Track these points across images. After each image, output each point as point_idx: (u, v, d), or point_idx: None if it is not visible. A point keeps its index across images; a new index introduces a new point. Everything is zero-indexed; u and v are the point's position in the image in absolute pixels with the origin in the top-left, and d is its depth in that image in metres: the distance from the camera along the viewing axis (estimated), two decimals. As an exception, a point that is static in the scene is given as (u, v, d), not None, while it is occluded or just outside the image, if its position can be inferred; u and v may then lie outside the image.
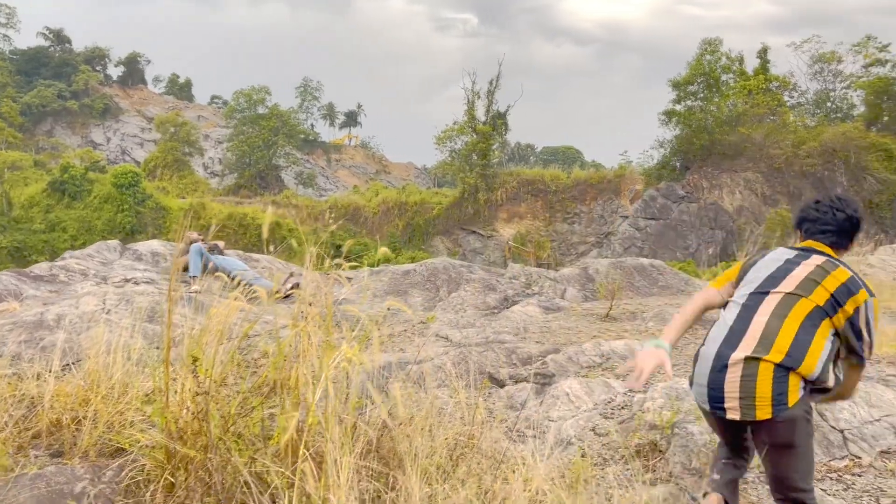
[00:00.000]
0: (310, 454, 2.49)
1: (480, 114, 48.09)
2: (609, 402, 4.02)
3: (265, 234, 3.38)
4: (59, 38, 78.30)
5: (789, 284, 2.63)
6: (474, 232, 46.72)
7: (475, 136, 46.51)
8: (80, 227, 46.23)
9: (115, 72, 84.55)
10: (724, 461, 2.80)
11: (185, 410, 2.87)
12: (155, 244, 8.05)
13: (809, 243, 2.80)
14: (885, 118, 34.29)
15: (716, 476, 2.76)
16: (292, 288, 7.25)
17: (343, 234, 46.85)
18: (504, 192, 46.58)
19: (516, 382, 4.51)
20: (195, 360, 2.78)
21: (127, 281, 6.31)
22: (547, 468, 2.91)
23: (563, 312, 6.32)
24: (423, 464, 2.88)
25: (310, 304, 3.35)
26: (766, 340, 2.50)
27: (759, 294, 2.66)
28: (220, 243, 7.99)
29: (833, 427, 3.59)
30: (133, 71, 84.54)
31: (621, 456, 3.33)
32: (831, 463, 3.38)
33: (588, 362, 4.68)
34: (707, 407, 2.62)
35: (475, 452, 3.10)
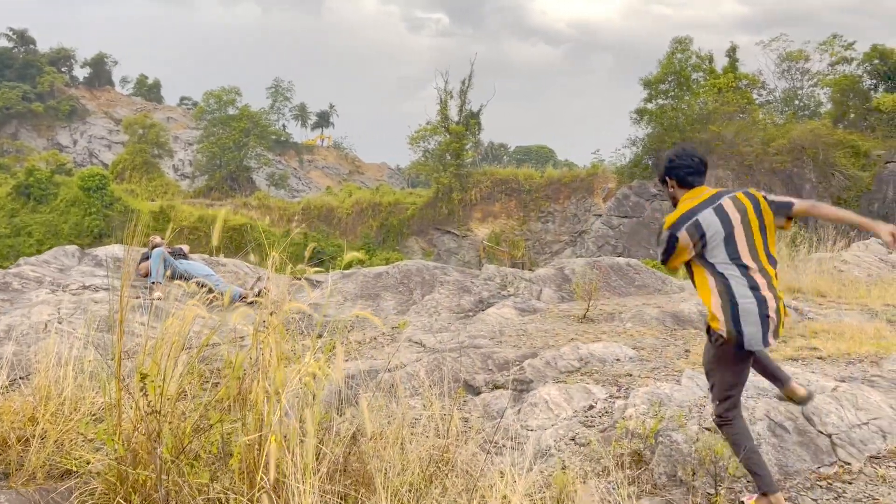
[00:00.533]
0: (269, 480, 2.29)
1: (454, 113, 47.98)
2: (589, 409, 3.86)
3: (215, 240, 3.17)
4: (22, 38, 76.64)
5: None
6: (449, 232, 46.57)
7: (448, 136, 46.36)
8: (46, 231, 45.23)
9: (81, 73, 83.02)
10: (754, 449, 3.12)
11: (135, 431, 2.65)
12: (116, 249, 7.73)
13: (703, 189, 3.33)
14: (852, 115, 34.78)
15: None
16: (258, 294, 7.01)
17: (316, 236, 46.39)
18: (478, 192, 46.51)
19: (493, 389, 4.33)
20: (143, 377, 2.55)
21: (85, 288, 6.02)
22: (526, 484, 2.73)
23: (539, 314, 6.16)
24: (393, 483, 2.68)
25: (271, 313, 3.14)
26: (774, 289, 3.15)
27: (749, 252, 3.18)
28: (185, 247, 7.71)
29: (820, 432, 3.47)
30: (100, 72, 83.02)
31: (603, 468, 3.17)
32: (820, 470, 3.26)
33: (567, 367, 4.52)
34: (761, 345, 3.11)
35: (450, 468, 2.91)
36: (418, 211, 47.17)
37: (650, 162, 38.35)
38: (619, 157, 42.45)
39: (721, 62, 39.64)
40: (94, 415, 3.53)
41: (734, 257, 3.13)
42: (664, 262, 3.30)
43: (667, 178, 3.46)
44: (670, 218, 3.28)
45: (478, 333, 5.39)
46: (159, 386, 2.71)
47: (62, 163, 53.70)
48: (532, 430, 3.67)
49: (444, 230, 46.55)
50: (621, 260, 8.15)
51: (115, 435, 2.86)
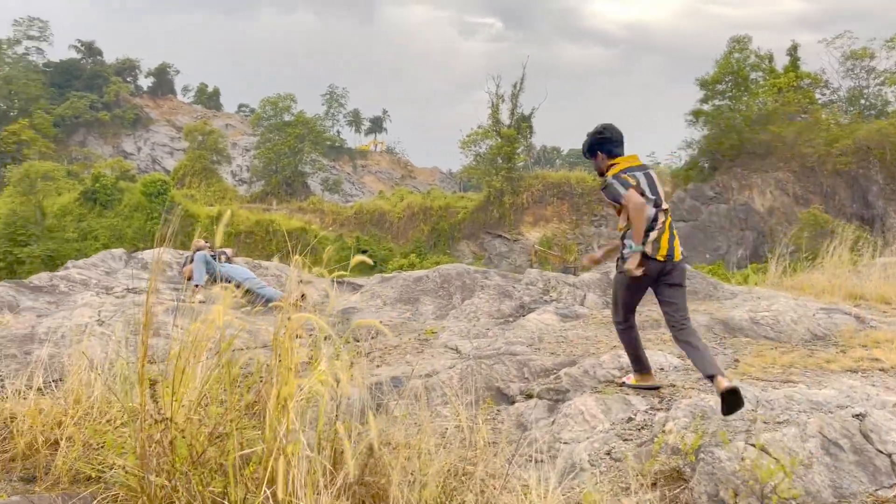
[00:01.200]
0: (276, 494, 2.19)
1: (505, 117, 47.77)
2: (628, 422, 3.67)
3: (218, 241, 3.10)
4: (90, 50, 79.67)
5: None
6: (500, 236, 46.35)
7: (500, 140, 46.18)
8: (111, 235, 46.78)
9: (145, 82, 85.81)
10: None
11: (147, 439, 2.60)
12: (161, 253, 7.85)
13: (630, 158, 4.28)
14: (923, 114, 33.21)
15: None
16: (300, 298, 6.97)
17: (367, 240, 46.80)
18: (530, 196, 46.19)
19: (527, 398, 4.18)
20: (153, 383, 2.50)
21: (129, 291, 6.11)
22: (552, 501, 2.58)
23: (581, 320, 5.96)
24: (410, 497, 2.57)
25: (289, 318, 3.06)
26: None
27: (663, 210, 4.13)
28: (229, 250, 7.76)
29: (880, 451, 3.20)
30: (163, 81, 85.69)
31: (640, 485, 2.98)
32: (879, 493, 3.00)
33: (605, 376, 4.33)
34: (667, 265, 4.02)
35: (474, 483, 2.78)
36: (469, 215, 47.10)
37: (705, 165, 37.40)
38: (675, 159, 41.55)
39: (781, 61, 38.40)
40: (121, 420, 3.52)
41: (657, 205, 4.10)
42: (618, 199, 4.11)
43: (598, 151, 4.32)
44: (612, 172, 4.20)
45: (516, 340, 5.24)
46: (177, 392, 2.65)
47: (126, 169, 55.55)
48: (565, 443, 3.51)
49: (495, 234, 46.36)
50: (671, 264, 7.82)
51: (136, 441, 2.82)
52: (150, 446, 2.60)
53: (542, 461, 3.24)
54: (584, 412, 3.75)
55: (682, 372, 4.46)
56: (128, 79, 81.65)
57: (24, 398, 3.58)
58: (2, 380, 4.04)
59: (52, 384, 3.87)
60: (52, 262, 40.33)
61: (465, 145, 49.18)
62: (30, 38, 66.72)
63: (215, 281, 7.01)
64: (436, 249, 46.62)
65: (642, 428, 3.60)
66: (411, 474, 2.78)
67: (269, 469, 2.58)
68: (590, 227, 41.24)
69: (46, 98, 67.72)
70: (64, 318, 4.90)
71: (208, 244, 7.37)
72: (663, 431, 3.41)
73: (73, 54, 78.63)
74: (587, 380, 4.27)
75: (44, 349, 4.25)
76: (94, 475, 3.04)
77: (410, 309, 6.54)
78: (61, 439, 3.33)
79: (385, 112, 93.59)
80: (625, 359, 4.58)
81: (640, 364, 4.16)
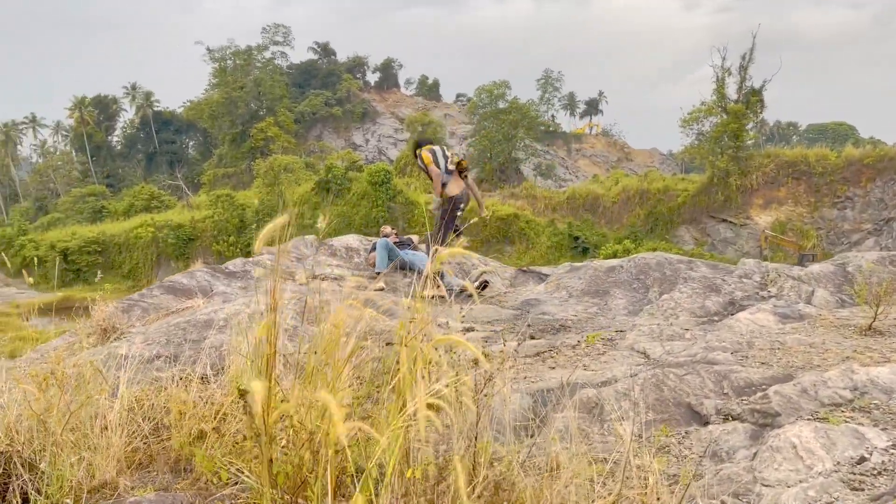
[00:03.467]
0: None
1: (732, 92, 44.06)
2: (859, 463, 2.80)
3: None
4: (325, 50, 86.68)
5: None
6: (725, 220, 42.92)
7: (725, 117, 42.66)
8: (341, 222, 50.56)
9: (372, 78, 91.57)
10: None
11: (247, 453, 2.35)
12: (350, 239, 7.95)
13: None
14: None
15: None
16: (483, 287, 6.65)
17: (580, 225, 45.76)
18: (760, 176, 42.20)
19: (725, 420, 3.41)
20: (243, 393, 2.23)
21: (315, 277, 6.18)
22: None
23: (806, 322, 4.92)
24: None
25: (414, 315, 2.66)
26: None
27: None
28: (414, 237, 7.68)
29: None
30: (388, 76, 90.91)
31: (870, 558, 2.19)
32: None
33: (832, 398, 3.41)
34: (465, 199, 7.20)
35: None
36: (690, 198, 44.17)
37: None
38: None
39: None
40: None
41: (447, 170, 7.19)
42: (424, 166, 7.43)
43: (418, 150, 7.58)
44: (425, 156, 7.36)
45: (718, 344, 4.41)
46: (278, 404, 2.36)
47: (355, 160, 59.65)
48: (769, 486, 2.74)
49: (719, 218, 43.01)
50: (933, 254, 6.34)
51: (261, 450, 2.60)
52: (252, 464, 2.35)
53: (732, 510, 2.54)
54: (797, 445, 2.93)
55: (944, 398, 3.40)
56: (357, 75, 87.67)
57: (185, 388, 3.59)
58: (177, 365, 4.13)
59: (220, 373, 3.85)
60: (292, 247, 44.19)
61: (687, 124, 46.19)
62: (275, 43, 73.96)
63: (398, 268, 6.92)
64: (652, 235, 44.34)
65: (880, 473, 2.73)
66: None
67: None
68: (832, 209, 36.63)
69: (289, 97, 74.79)
70: (243, 305, 4.98)
71: (394, 231, 7.35)
72: (911, 483, 2.53)
73: (311, 55, 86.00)
74: (805, 401, 3.39)
75: (217, 336, 4.29)
76: (225, 479, 2.91)
77: (599, 303, 5.89)
78: (209, 433, 3.26)
79: (601, 94, 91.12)
80: (862, 375, 3.62)
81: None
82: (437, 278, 6.61)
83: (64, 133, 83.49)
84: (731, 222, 42.67)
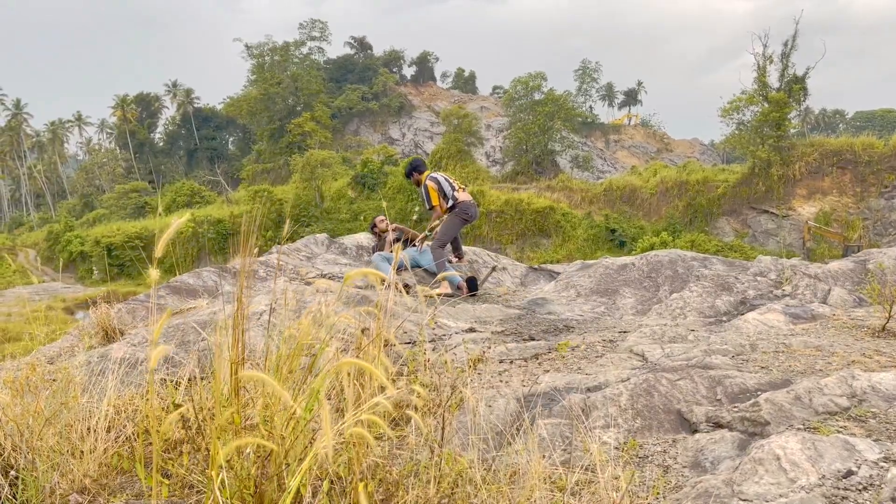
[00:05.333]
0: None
1: (773, 80, 43.00)
2: (845, 477, 2.67)
3: (158, 253, 2.72)
4: (362, 45, 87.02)
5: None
6: (766, 211, 41.93)
7: (767, 105, 41.61)
8: (376, 215, 50.63)
9: (408, 72, 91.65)
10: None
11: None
12: (361, 237, 7.94)
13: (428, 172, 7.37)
14: None
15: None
16: (471, 288, 6.56)
17: (617, 217, 45.17)
18: (803, 166, 41.13)
19: (714, 428, 3.29)
20: (177, 407, 2.21)
21: (322, 276, 6.18)
22: None
23: (818, 323, 4.74)
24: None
25: (374, 317, 2.62)
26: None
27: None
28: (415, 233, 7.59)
29: None
30: (423, 69, 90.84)
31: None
32: None
33: (826, 406, 3.27)
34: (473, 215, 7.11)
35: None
36: (730, 189, 43.26)
37: None
38: None
39: None
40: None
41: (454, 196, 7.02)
42: (430, 208, 7.10)
43: (413, 175, 7.45)
44: (422, 178, 7.23)
45: (719, 347, 4.27)
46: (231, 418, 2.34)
47: (391, 154, 59.86)
48: (747, 500, 2.63)
49: (760, 209, 42.04)
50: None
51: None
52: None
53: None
54: (781, 457, 2.81)
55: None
56: (393, 69, 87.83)
57: (160, 396, 3.61)
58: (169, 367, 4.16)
59: (205, 377, 3.87)
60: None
61: (727, 113, 45.21)
62: (312, 38, 74.50)
63: (410, 267, 6.89)
64: (691, 227, 43.53)
65: (865, 488, 2.60)
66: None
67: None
68: (879, 200, 35.50)
69: (325, 92, 75.32)
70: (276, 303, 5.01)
71: (386, 221, 7.33)
72: None
73: (348, 50, 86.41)
74: (798, 409, 3.26)
75: (212, 337, 4.30)
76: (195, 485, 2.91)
77: (607, 302, 5.77)
78: (184, 442, 3.27)
79: (640, 84, 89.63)
80: (863, 381, 3.48)
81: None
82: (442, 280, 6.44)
83: (108, 131, 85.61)
84: (772, 213, 41.68)
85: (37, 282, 43.99)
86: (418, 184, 7.19)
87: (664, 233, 40.18)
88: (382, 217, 7.42)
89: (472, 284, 6.54)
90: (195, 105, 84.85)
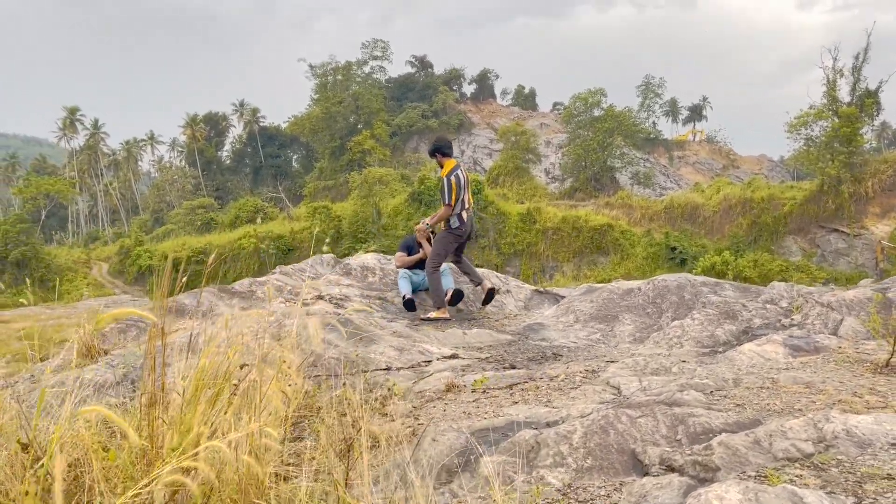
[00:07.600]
0: None
1: (844, 94, 41.30)
2: (785, 535, 2.43)
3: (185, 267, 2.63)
4: (422, 63, 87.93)
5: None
6: (836, 230, 40.17)
7: (837, 120, 39.97)
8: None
9: (468, 89, 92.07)
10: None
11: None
12: (368, 258, 7.89)
13: (454, 162, 7.19)
14: None
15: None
16: (455, 302, 6.42)
17: (678, 236, 44.00)
18: (876, 183, 39.34)
19: (666, 471, 3.07)
20: (24, 447, 2.15)
21: (319, 298, 6.15)
22: None
23: (820, 356, 4.41)
24: None
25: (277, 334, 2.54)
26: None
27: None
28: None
29: None
30: (483, 87, 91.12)
31: None
32: None
33: (786, 452, 3.00)
34: (468, 230, 7.11)
35: None
36: (798, 206, 41.65)
37: None
38: None
39: None
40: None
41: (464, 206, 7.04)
42: (449, 202, 6.93)
43: (437, 154, 7.24)
44: (444, 172, 7.08)
45: (698, 381, 4.02)
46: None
47: (448, 171, 60.03)
48: (670, 556, 2.43)
49: (829, 228, 40.30)
50: None
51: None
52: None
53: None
54: (718, 509, 2.59)
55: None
56: (453, 87, 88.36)
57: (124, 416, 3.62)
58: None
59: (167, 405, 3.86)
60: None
61: (794, 128, 43.65)
62: (374, 57, 75.83)
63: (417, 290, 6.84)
64: (756, 245, 42.03)
65: (804, 550, 2.37)
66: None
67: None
68: (957, 218, 33.53)
69: (386, 110, 76.37)
70: (223, 328, 5.02)
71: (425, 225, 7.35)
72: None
73: (409, 69, 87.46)
74: (755, 455, 3.01)
75: (184, 362, 4.31)
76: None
77: (604, 329, 5.54)
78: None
79: (704, 99, 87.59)
80: (836, 424, 3.20)
81: (439, 298, 6.58)
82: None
83: (179, 149, 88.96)
84: (843, 232, 39.92)
85: (108, 294, 45.82)
86: (440, 165, 7.09)
87: (726, 252, 38.89)
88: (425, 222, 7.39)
89: (458, 297, 6.62)
90: (261, 124, 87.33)
